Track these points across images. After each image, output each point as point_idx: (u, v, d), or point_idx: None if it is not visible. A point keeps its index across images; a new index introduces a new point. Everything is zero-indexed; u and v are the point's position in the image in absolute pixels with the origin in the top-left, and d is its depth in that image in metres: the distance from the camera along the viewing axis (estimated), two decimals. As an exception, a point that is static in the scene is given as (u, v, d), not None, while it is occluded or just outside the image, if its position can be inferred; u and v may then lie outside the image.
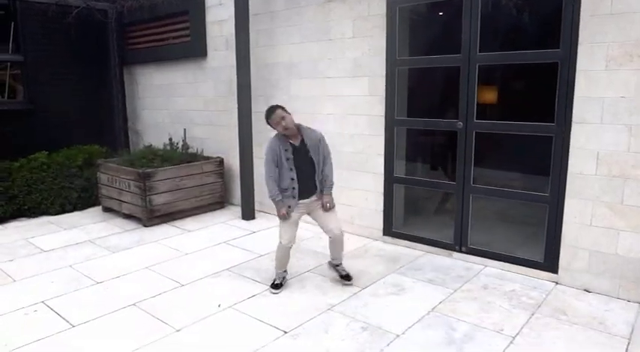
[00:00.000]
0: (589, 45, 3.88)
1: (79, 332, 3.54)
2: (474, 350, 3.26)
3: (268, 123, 3.99)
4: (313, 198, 4.10)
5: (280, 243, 4.12)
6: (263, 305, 3.91)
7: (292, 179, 3.97)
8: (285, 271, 4.30)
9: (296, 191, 3.99)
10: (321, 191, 4.10)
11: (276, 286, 4.20)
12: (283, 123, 3.87)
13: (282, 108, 3.95)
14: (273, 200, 4.02)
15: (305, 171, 4.00)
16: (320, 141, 4.05)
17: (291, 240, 4.12)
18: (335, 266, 4.39)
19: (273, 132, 4.06)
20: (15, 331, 3.55)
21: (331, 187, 4.14)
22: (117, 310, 3.86)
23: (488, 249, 4.73)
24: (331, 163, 4.14)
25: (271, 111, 3.95)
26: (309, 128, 4.09)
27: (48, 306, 3.94)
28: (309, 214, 4.20)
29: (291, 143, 3.97)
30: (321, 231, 4.29)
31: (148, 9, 7.17)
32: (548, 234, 4.32)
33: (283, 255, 4.19)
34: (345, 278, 4.29)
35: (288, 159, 3.94)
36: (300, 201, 4.04)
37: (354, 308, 3.84)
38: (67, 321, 3.68)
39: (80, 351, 3.28)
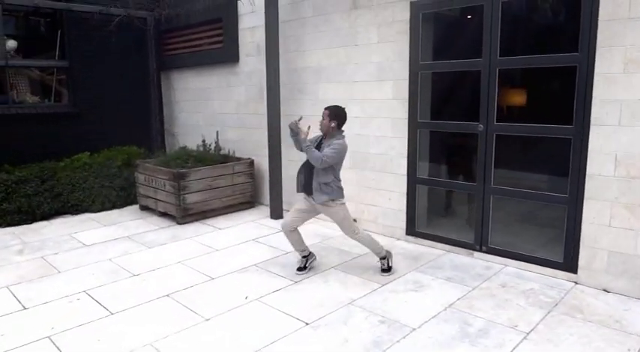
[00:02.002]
0: (607, 48, 3.95)
1: (117, 319, 3.83)
2: (488, 343, 3.38)
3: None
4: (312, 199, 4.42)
5: (356, 231, 4.54)
6: (287, 299, 4.12)
7: (300, 173, 4.51)
8: (305, 251, 4.69)
9: (301, 180, 4.46)
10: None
11: (299, 269, 4.65)
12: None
13: (331, 111, 4.33)
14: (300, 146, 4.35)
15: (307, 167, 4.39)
16: (329, 144, 4.29)
17: (286, 223, 4.53)
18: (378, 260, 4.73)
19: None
20: (60, 317, 3.86)
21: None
22: (152, 300, 4.14)
23: (508, 248, 4.82)
24: (320, 157, 4.19)
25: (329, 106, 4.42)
26: (338, 136, 4.34)
27: (89, 295, 4.26)
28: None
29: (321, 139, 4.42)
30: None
31: (184, 17, 7.51)
32: (568, 235, 4.38)
33: (288, 238, 4.61)
34: (385, 270, 4.66)
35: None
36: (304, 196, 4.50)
37: (374, 303, 4.01)
38: (107, 309, 3.99)
39: (119, 336, 3.56)
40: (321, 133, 4.39)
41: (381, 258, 4.64)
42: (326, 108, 4.33)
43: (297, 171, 4.54)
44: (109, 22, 7.56)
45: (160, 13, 7.79)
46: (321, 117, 4.33)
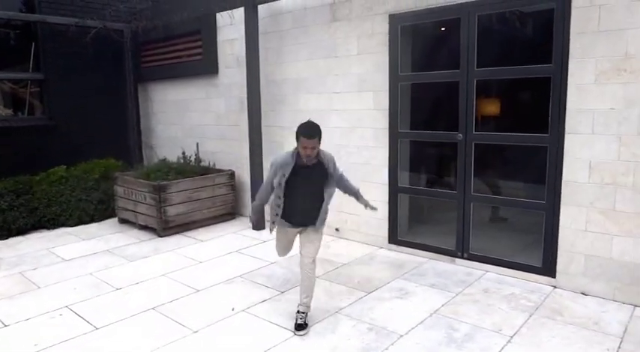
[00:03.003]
0: (579, 60, 4.12)
1: (103, 333, 3.78)
2: (474, 347, 3.46)
3: (297, 138, 3.54)
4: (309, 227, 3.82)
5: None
6: (274, 309, 4.13)
7: (279, 197, 3.73)
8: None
9: (300, 212, 3.75)
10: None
11: (299, 327, 3.70)
12: (309, 152, 3.51)
13: (319, 135, 3.52)
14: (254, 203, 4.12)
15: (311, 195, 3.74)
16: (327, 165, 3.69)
17: (280, 252, 4.20)
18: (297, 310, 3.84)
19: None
20: (43, 333, 3.79)
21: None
22: (137, 314, 4.10)
23: (488, 254, 4.93)
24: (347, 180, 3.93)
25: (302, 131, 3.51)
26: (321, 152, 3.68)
27: (72, 310, 4.19)
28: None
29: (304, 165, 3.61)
30: (330, 239, 4.51)
31: (161, 29, 7.49)
32: (546, 240, 4.52)
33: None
34: (297, 327, 3.72)
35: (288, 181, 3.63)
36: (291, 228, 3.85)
37: (361, 311, 4.06)
38: (91, 324, 3.93)
39: (105, 351, 3.51)
40: (288, 158, 3.61)
41: (301, 311, 3.79)
42: (313, 135, 3.46)
43: (278, 200, 3.73)
44: (86, 34, 7.50)
45: (137, 26, 7.76)
46: (307, 149, 3.48)
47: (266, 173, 6.30)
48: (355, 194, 4.06)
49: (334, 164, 3.74)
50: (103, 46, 7.85)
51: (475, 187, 4.98)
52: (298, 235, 3.93)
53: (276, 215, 3.78)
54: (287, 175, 3.60)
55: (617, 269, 4.14)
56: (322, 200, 3.74)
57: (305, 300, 3.82)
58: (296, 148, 3.59)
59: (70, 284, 4.77)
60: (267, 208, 4.08)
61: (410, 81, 5.45)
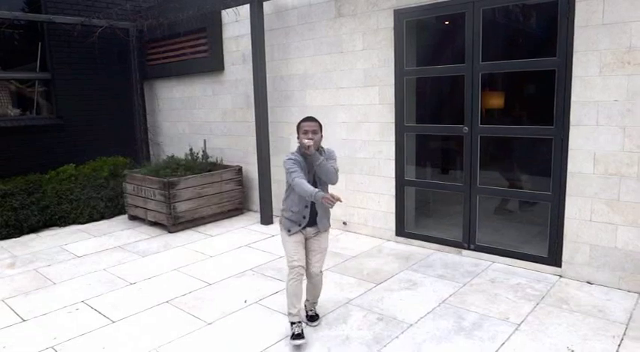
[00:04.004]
0: (584, 53, 4.18)
1: (119, 326, 3.87)
2: (482, 335, 3.54)
3: (297, 129, 3.53)
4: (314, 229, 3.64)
5: (291, 265, 3.53)
6: (286, 301, 4.21)
7: (306, 207, 3.54)
8: (299, 316, 3.60)
9: (306, 220, 3.57)
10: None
11: (298, 336, 3.46)
12: (310, 136, 3.44)
13: (318, 122, 3.55)
14: (310, 194, 3.31)
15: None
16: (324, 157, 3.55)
17: (301, 259, 3.57)
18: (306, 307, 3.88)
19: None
20: (61, 327, 3.89)
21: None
22: (152, 307, 4.19)
23: (495, 246, 5.01)
24: (335, 171, 3.55)
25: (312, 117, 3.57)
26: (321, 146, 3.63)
27: (88, 305, 4.29)
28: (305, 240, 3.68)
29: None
30: (338, 232, 4.55)
31: (167, 27, 7.55)
32: (551, 231, 4.59)
33: (297, 286, 3.53)
34: (310, 318, 3.83)
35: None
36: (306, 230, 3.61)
37: (370, 302, 4.14)
38: (108, 318, 4.02)
39: (123, 343, 3.61)
40: (297, 156, 3.50)
41: (313, 309, 3.86)
42: (314, 120, 3.52)
43: (287, 203, 3.61)
44: (92, 33, 7.58)
45: (142, 24, 7.82)
46: (309, 134, 3.44)
47: (274, 168, 6.46)
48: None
49: (335, 160, 3.60)
50: (109, 45, 7.93)
51: (495, 181, 5.02)
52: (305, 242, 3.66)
53: (292, 220, 3.58)
54: (306, 174, 3.46)
55: (621, 259, 4.22)
56: None
57: (314, 301, 3.85)
58: (298, 148, 3.52)
59: (84, 280, 4.87)
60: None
61: (415, 75, 5.51)
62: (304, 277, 3.60)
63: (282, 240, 3.68)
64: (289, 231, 3.58)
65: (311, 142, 3.39)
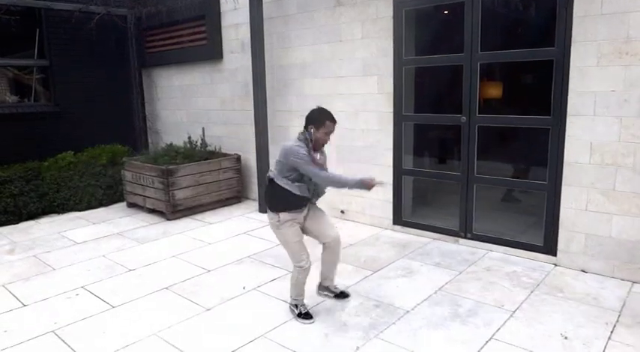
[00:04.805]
0: (582, 43, 4.20)
1: (119, 312, 3.92)
2: (478, 322, 3.59)
3: (320, 122, 3.44)
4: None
5: (301, 267, 3.58)
6: (284, 287, 4.22)
7: (308, 189, 3.53)
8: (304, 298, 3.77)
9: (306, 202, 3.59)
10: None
11: (307, 315, 3.69)
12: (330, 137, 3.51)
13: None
14: (351, 183, 3.41)
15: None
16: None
17: (309, 258, 3.64)
18: (326, 287, 3.91)
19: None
20: (61, 312, 3.93)
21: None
22: (151, 293, 4.24)
23: (492, 234, 5.06)
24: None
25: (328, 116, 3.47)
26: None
27: (88, 291, 4.33)
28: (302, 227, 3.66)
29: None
30: (336, 221, 4.58)
31: (165, 14, 7.52)
32: (547, 220, 4.64)
33: (304, 280, 3.68)
34: (341, 295, 3.95)
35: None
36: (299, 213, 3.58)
37: (368, 289, 4.19)
38: (107, 303, 4.07)
39: (123, 327, 3.65)
40: (305, 150, 3.41)
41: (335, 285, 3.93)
42: (334, 121, 3.48)
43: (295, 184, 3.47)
44: (90, 20, 7.52)
45: (140, 11, 7.79)
46: (330, 133, 3.49)
47: (272, 157, 6.47)
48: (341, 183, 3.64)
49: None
50: (107, 32, 7.89)
51: (493, 171, 5.03)
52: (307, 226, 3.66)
53: (291, 207, 3.52)
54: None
55: (616, 248, 4.27)
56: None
57: (330, 280, 3.90)
58: (303, 135, 3.45)
59: (83, 266, 4.91)
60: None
61: (414, 65, 5.52)
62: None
63: (281, 240, 3.63)
64: (295, 219, 3.53)
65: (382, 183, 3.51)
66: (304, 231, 3.66)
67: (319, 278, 3.91)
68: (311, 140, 3.45)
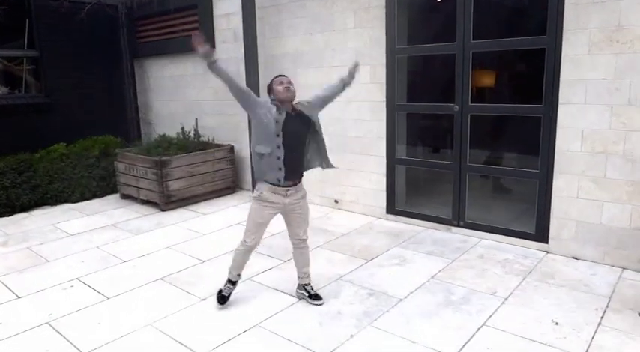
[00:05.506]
0: (573, 31, 4.21)
1: (114, 303, 3.93)
2: (470, 309, 3.64)
3: (270, 86, 3.58)
4: (293, 191, 3.53)
5: (244, 242, 3.63)
6: (279, 277, 4.29)
7: (279, 158, 3.39)
8: (240, 275, 3.82)
9: (282, 173, 3.42)
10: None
11: (223, 298, 3.75)
12: (287, 86, 3.47)
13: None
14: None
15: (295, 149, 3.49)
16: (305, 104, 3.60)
17: (257, 241, 3.66)
18: (304, 285, 3.87)
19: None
20: (56, 303, 3.94)
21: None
22: (146, 284, 4.25)
23: (484, 223, 5.10)
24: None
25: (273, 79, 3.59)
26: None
27: (82, 282, 4.33)
28: (282, 214, 3.67)
29: (286, 112, 3.44)
30: (330, 210, 4.61)
31: (156, 3, 7.45)
32: (539, 207, 4.68)
33: (244, 257, 3.73)
34: (314, 297, 3.81)
35: (277, 131, 3.37)
36: (282, 191, 3.49)
37: (361, 278, 4.23)
38: (102, 294, 4.08)
39: (118, 318, 3.67)
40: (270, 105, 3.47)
41: (305, 284, 3.87)
42: (280, 75, 3.64)
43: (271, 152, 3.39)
44: (80, 10, 7.45)
45: (131, 1, 7.72)
46: (287, 84, 3.50)
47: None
48: (343, 81, 3.94)
49: (309, 102, 3.68)
50: (97, 22, 7.81)
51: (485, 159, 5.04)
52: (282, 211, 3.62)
53: (265, 175, 3.46)
54: (280, 122, 3.37)
55: (606, 234, 4.32)
56: (303, 154, 3.58)
57: (307, 271, 3.87)
58: (272, 99, 3.52)
59: (78, 258, 4.91)
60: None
61: (407, 54, 5.52)
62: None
63: (249, 212, 3.61)
64: (261, 192, 3.48)
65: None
66: (285, 222, 3.72)
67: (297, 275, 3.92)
68: (278, 101, 3.49)
